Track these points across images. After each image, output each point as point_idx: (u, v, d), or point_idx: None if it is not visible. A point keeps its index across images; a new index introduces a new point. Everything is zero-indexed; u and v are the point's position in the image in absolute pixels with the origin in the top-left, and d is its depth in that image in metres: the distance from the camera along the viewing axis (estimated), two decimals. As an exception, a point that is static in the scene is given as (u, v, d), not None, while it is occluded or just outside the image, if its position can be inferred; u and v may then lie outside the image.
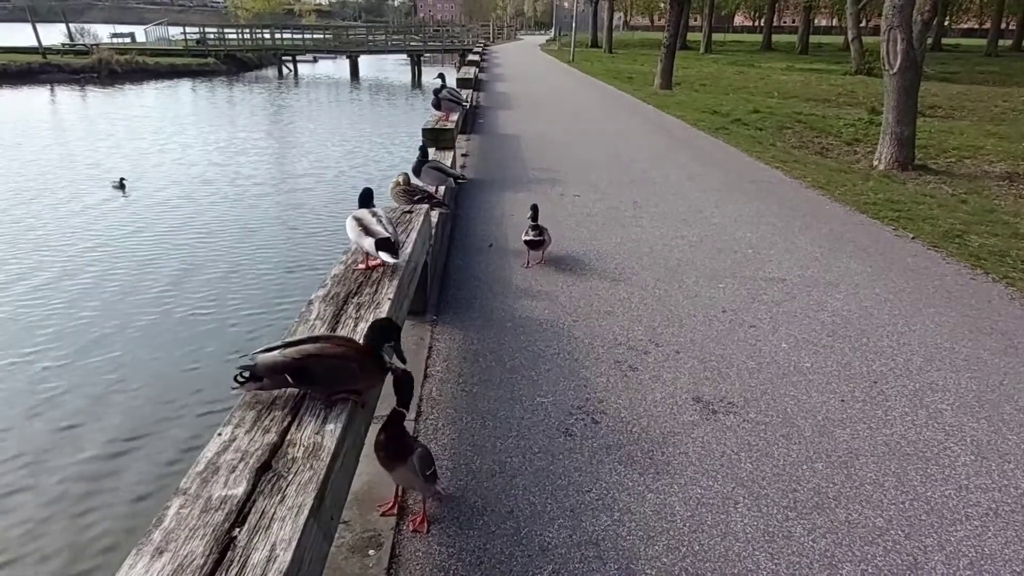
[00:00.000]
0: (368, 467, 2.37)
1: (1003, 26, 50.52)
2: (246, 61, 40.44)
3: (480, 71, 20.97)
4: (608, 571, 2.31)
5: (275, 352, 1.96)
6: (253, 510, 1.52)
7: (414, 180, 5.06)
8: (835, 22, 75.48)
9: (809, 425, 3.17)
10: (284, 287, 7.93)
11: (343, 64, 42.35)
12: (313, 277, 7.97)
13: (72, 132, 18.53)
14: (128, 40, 41.21)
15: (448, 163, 6.47)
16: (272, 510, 1.53)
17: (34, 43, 33.22)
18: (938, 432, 3.14)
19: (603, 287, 4.83)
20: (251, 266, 8.55)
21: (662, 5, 52.44)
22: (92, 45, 35.70)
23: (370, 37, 46.38)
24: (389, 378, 2.19)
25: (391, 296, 2.71)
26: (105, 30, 43.22)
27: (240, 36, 42.26)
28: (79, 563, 4.01)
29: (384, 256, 2.88)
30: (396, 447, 2.29)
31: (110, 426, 5.26)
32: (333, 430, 1.86)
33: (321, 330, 2.42)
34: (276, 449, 1.75)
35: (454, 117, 8.12)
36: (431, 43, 47.17)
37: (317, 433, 1.83)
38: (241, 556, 1.39)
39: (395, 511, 2.55)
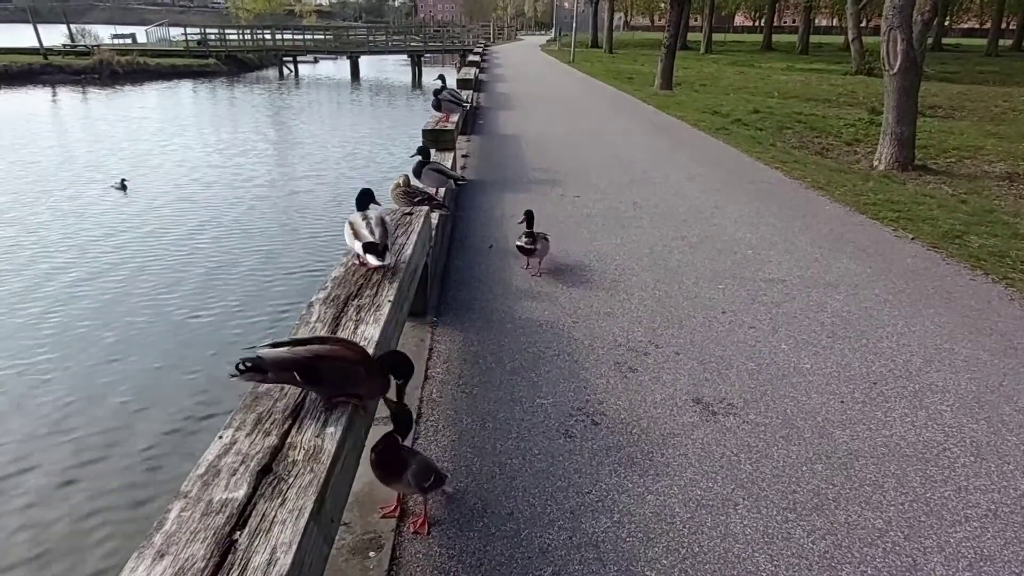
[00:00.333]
0: (369, 469, 2.38)
1: (1003, 26, 50.50)
2: (247, 62, 40.47)
3: (480, 72, 20.98)
4: (608, 573, 2.31)
5: (284, 349, 1.97)
6: (254, 513, 1.53)
7: (414, 182, 5.06)
8: (835, 22, 75.49)
9: (809, 426, 3.18)
10: (284, 290, 7.93)
11: (344, 65, 42.40)
12: (313, 280, 7.98)
13: (73, 133, 18.56)
14: (129, 41, 41.24)
15: (448, 164, 6.48)
16: (273, 513, 1.53)
17: (35, 44, 33.26)
18: (937, 433, 3.15)
19: (603, 288, 4.84)
20: (251, 268, 8.56)
21: (662, 5, 52.44)
22: (93, 46, 35.71)
23: (371, 38, 46.44)
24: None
25: (391, 298, 2.72)
26: (106, 31, 43.26)
27: (241, 37, 42.31)
28: (80, 567, 4.01)
29: (370, 259, 2.96)
30: (390, 465, 2.31)
31: (110, 429, 5.27)
32: (334, 433, 1.86)
33: (322, 332, 2.43)
34: (277, 452, 1.76)
35: (454, 118, 8.12)
36: (431, 44, 47.22)
37: (318, 436, 1.84)
38: (242, 559, 1.40)
39: (396, 513, 2.56)
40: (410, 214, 3.96)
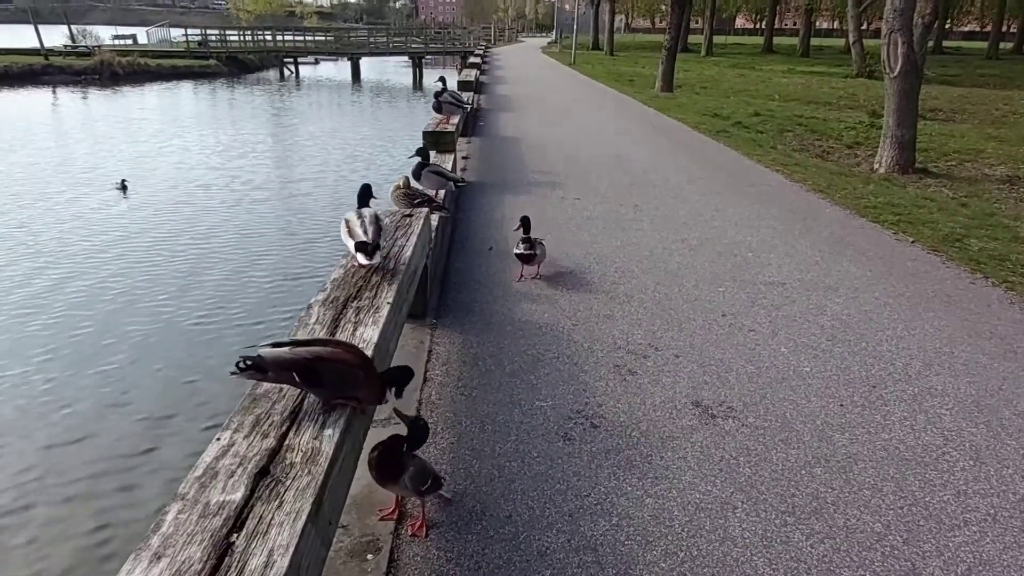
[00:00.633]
0: (367, 471, 2.37)
1: (1004, 29, 50.51)
2: (247, 63, 40.52)
3: (481, 73, 21.00)
4: (606, 576, 2.31)
5: (285, 349, 1.97)
6: (251, 515, 1.53)
7: (414, 184, 5.06)
8: (836, 25, 75.51)
9: (808, 430, 3.18)
10: (283, 293, 7.93)
11: (344, 66, 42.44)
12: (312, 284, 7.98)
13: (73, 134, 18.56)
14: (130, 42, 41.28)
15: (449, 166, 6.48)
16: (270, 515, 1.53)
17: (36, 45, 33.33)
18: (937, 437, 3.14)
19: (603, 291, 4.84)
20: (250, 271, 8.56)
21: (663, 8, 52.48)
22: (94, 47, 35.76)
23: (371, 39, 46.50)
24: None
25: (390, 300, 2.72)
26: (107, 32, 43.31)
27: (242, 38, 42.36)
28: (77, 569, 4.01)
29: (360, 258, 2.99)
30: (387, 467, 2.31)
31: (108, 430, 5.27)
32: (332, 435, 1.86)
33: (320, 334, 2.43)
34: (275, 454, 1.76)
35: (455, 120, 8.13)
36: (432, 45, 47.28)
37: (316, 438, 1.84)
38: (239, 562, 1.40)
39: (395, 516, 2.56)
40: (410, 216, 3.96)
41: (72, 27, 39.67)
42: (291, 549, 1.44)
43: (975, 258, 5.68)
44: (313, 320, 2.53)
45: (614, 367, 3.74)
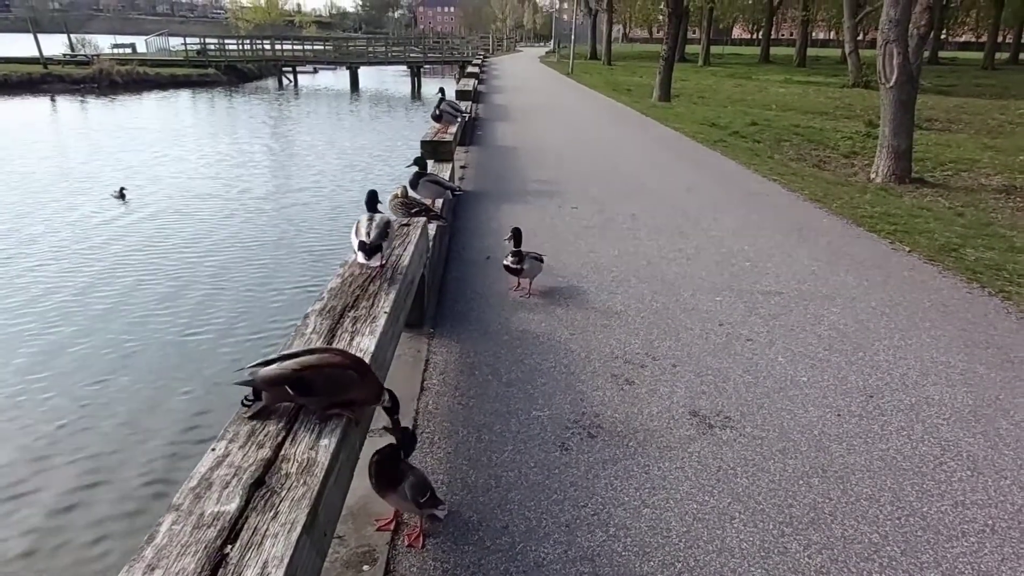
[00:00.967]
0: (363, 482, 2.36)
1: (1000, 39, 50.84)
2: (246, 72, 40.64)
3: (479, 83, 21.05)
4: (603, 587, 2.30)
5: (273, 365, 1.97)
6: (246, 526, 1.52)
7: (412, 193, 5.07)
8: (833, 35, 75.94)
9: (805, 439, 3.17)
10: (281, 302, 7.92)
11: (343, 75, 42.55)
12: (309, 292, 7.98)
13: (72, 143, 18.58)
14: (129, 51, 41.37)
15: (447, 175, 6.49)
16: (265, 527, 1.52)
17: (35, 53, 33.37)
18: (934, 447, 3.14)
19: (600, 300, 4.84)
20: (247, 280, 8.55)
21: (661, 18, 52.72)
22: (93, 56, 35.84)
23: (370, 49, 46.64)
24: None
25: (387, 310, 2.72)
26: (106, 41, 43.36)
27: (240, 47, 42.50)
28: (73, 577, 3.98)
29: (359, 257, 3.06)
30: (387, 475, 2.30)
31: (104, 441, 5.25)
32: (328, 445, 1.85)
33: (317, 344, 2.42)
34: (270, 464, 1.75)
35: (453, 129, 8.14)
36: (431, 55, 47.40)
37: (311, 448, 1.83)
38: (233, 573, 1.39)
39: (391, 527, 2.55)
40: (407, 225, 3.96)
41: (71, 36, 39.70)
42: (286, 561, 1.43)
43: (971, 268, 5.69)
44: (310, 330, 2.53)
45: (611, 376, 3.73)
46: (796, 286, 5.18)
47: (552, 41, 70.62)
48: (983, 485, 2.88)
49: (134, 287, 8.14)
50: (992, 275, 5.52)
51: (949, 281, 5.40)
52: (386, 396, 2.23)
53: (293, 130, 22.25)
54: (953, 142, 13.40)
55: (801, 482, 2.86)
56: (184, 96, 31.71)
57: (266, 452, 1.79)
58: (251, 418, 1.93)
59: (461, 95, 13.26)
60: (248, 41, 44.12)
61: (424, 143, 7.14)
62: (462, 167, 9.51)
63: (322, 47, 47.08)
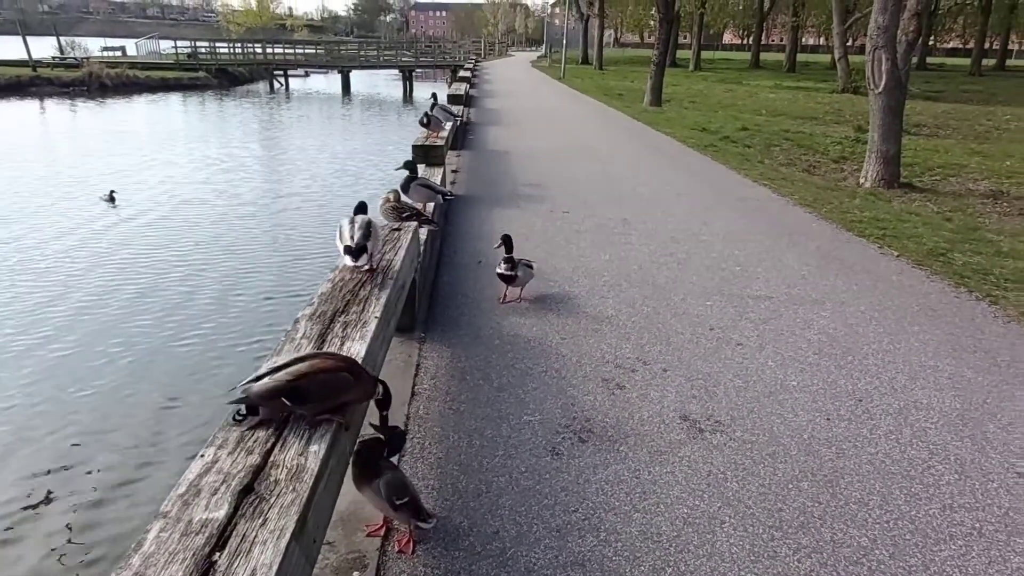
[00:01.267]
0: (353, 487, 2.36)
1: (987, 46, 51.29)
2: (237, 75, 40.53)
3: (471, 87, 21.09)
4: (594, 592, 2.30)
5: (266, 379, 1.96)
6: (234, 534, 1.52)
7: (403, 197, 5.07)
8: (822, 41, 76.38)
9: (795, 444, 3.18)
10: (272, 307, 7.88)
11: (335, 79, 42.52)
12: (299, 297, 7.95)
13: (60, 146, 18.47)
14: (119, 54, 41.24)
15: (438, 179, 6.49)
16: (253, 534, 1.52)
17: (24, 56, 33.18)
18: (922, 451, 3.16)
19: (591, 305, 4.85)
20: (237, 285, 8.51)
21: (652, 23, 52.94)
22: (82, 58, 35.69)
23: (362, 52, 46.60)
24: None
25: (378, 315, 2.71)
26: (96, 44, 43.26)
27: (231, 50, 42.39)
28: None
29: (347, 260, 3.07)
30: (364, 467, 2.30)
31: (91, 447, 5.21)
32: (317, 451, 1.85)
33: (308, 348, 2.42)
34: (259, 471, 1.74)
35: (444, 133, 8.15)
36: (423, 59, 47.41)
37: (301, 454, 1.83)
38: (221, 581, 1.38)
39: (382, 532, 2.54)
40: (398, 230, 3.96)
41: (61, 39, 39.56)
42: (274, 568, 1.43)
43: (959, 272, 5.73)
44: (300, 335, 2.52)
45: (602, 381, 3.74)
46: (786, 290, 5.21)
47: (544, 46, 70.77)
48: (971, 488, 2.90)
49: (122, 291, 8.09)
50: (979, 279, 5.56)
51: (937, 285, 5.44)
52: (379, 389, 2.23)
53: (284, 134, 22.20)
54: (941, 147, 13.50)
55: (791, 486, 2.88)
56: (174, 99, 31.60)
57: (255, 458, 1.79)
58: (239, 426, 1.92)
59: (453, 99, 13.27)
60: (239, 44, 44.00)
61: (415, 147, 7.15)
62: (453, 171, 9.51)
63: (313, 51, 47.01)
